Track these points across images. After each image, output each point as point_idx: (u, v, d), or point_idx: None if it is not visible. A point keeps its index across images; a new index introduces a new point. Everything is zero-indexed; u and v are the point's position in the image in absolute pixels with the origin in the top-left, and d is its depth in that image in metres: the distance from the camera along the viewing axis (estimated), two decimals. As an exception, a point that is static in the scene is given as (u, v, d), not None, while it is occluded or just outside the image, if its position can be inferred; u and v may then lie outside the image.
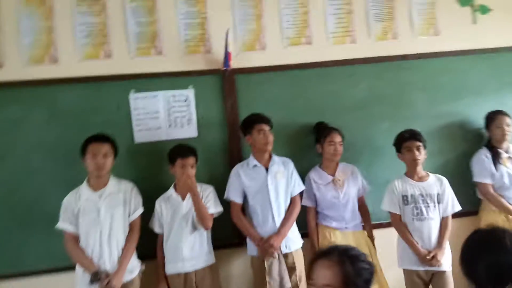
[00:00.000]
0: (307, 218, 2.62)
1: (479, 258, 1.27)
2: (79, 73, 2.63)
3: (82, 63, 2.65)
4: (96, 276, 2.18)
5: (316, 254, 1.35)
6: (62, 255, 2.45)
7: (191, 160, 2.42)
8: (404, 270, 2.51)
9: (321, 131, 2.62)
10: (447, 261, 2.42)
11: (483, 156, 2.78)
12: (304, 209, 2.62)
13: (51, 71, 2.61)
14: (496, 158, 2.75)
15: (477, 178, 2.79)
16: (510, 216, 2.69)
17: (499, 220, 2.67)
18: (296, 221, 2.54)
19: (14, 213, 2.55)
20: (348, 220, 2.55)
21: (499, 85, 3.03)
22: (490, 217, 2.70)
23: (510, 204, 2.69)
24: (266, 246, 2.36)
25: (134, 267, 2.36)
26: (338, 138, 2.56)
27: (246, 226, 2.47)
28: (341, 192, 2.56)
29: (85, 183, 2.35)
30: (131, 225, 2.36)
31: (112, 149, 2.35)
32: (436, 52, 2.98)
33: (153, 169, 2.66)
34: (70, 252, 2.29)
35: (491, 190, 2.73)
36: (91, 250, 2.25)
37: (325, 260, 1.28)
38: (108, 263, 2.24)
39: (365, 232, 2.60)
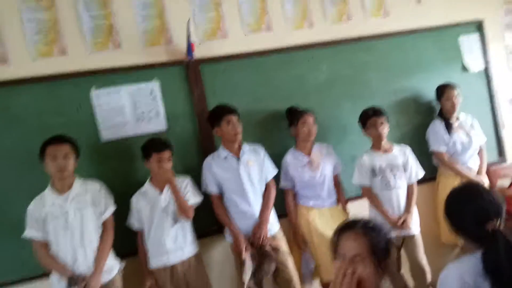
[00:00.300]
0: (285, 200, 2.68)
1: (464, 209, 1.42)
2: (33, 72, 2.47)
3: (35, 62, 2.49)
4: (72, 280, 2.11)
5: (338, 229, 1.40)
6: (31, 264, 2.38)
7: (167, 154, 2.39)
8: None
9: (294, 114, 2.68)
10: (415, 225, 2.61)
11: (437, 126, 3.01)
12: (281, 191, 2.69)
13: (1, 72, 2.43)
14: (448, 127, 2.98)
15: (432, 147, 3.02)
16: (465, 179, 2.93)
17: (455, 183, 2.89)
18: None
19: (-26, 224, 2.37)
20: (325, 198, 2.65)
21: (445, 60, 3.27)
22: (447, 182, 2.93)
23: (464, 168, 2.94)
24: (255, 239, 2.41)
25: (112, 266, 2.30)
26: (311, 119, 2.63)
27: (228, 221, 2.49)
28: (318, 172, 2.63)
29: (48, 187, 2.24)
30: (104, 225, 2.29)
31: (73, 149, 2.24)
32: (387, 33, 3.15)
33: (124, 166, 2.59)
34: (41, 260, 2.19)
35: (446, 157, 2.97)
36: (64, 255, 2.17)
37: (350, 233, 1.35)
38: (83, 266, 2.17)
39: (340, 208, 2.70)
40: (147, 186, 2.44)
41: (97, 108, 2.56)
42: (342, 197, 2.75)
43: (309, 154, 2.67)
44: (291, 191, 2.69)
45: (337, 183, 2.74)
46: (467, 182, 1.76)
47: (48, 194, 2.22)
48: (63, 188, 2.23)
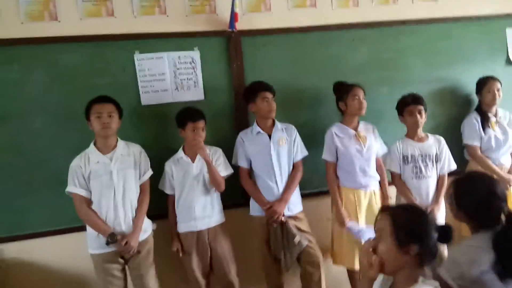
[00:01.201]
0: (327, 173, 2.65)
1: (471, 193, 1.57)
2: (80, 31, 2.53)
3: (84, 21, 2.54)
4: (113, 237, 2.21)
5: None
6: (67, 217, 2.52)
7: (201, 124, 2.44)
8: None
9: (343, 88, 2.63)
10: (441, 216, 2.62)
11: (473, 119, 2.96)
12: (314, 167, 2.71)
13: (51, 29, 2.50)
14: (485, 121, 2.93)
15: (466, 140, 2.98)
16: (495, 176, 2.90)
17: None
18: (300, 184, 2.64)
19: (18, 175, 2.51)
20: (370, 176, 2.59)
21: (489, 52, 3.18)
22: (477, 177, 2.90)
23: (495, 165, 2.91)
24: (271, 212, 2.46)
25: (147, 226, 2.41)
26: (361, 93, 2.57)
27: (253, 190, 2.55)
28: (365, 146, 2.59)
29: (92, 146, 2.31)
30: (141, 187, 2.39)
31: (117, 109, 2.32)
32: (433, 18, 3.07)
33: (160, 131, 2.66)
34: (83, 215, 2.27)
35: (479, 152, 2.93)
36: (105, 212, 2.26)
37: (384, 211, 1.41)
38: (123, 224, 2.28)
39: (380, 192, 2.68)
40: (181, 154, 2.50)
41: (140, 72, 2.61)
42: (384, 181, 2.69)
43: (355, 129, 2.63)
44: (333, 164, 2.63)
45: (379, 166, 2.68)
46: (472, 171, 1.90)
47: (92, 152, 2.30)
48: (107, 148, 2.31)
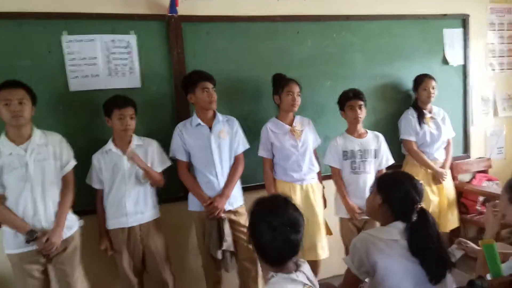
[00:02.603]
0: (263, 169, 2.63)
1: (398, 186, 1.67)
2: (0, 8, 2.26)
3: (4, -4, 2.28)
4: (32, 234, 2.02)
5: None
6: None
7: (129, 111, 2.29)
8: (340, 218, 2.73)
9: (279, 82, 2.59)
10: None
11: (410, 115, 3.06)
12: (256, 162, 2.66)
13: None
14: (420, 117, 3.03)
15: (403, 136, 3.07)
16: (429, 170, 3.03)
17: (419, 173, 3.00)
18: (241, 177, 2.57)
19: None
20: (306, 170, 2.59)
21: (427, 51, 3.29)
22: (412, 171, 2.97)
23: (429, 159, 3.03)
24: (211, 208, 2.37)
25: (72, 223, 2.22)
26: (296, 89, 2.55)
27: (192, 185, 2.45)
28: (300, 141, 2.58)
29: (3, 137, 2.07)
30: (64, 179, 2.19)
31: (29, 95, 2.07)
32: (375, 15, 3.12)
33: (90, 120, 2.47)
34: None
35: (414, 147, 3.04)
36: (23, 208, 2.05)
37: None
38: (43, 220, 2.08)
39: (318, 184, 2.70)
40: (110, 145, 2.33)
41: (68, 56, 2.40)
42: (319, 171, 2.72)
43: (290, 124, 2.61)
44: (269, 160, 2.61)
45: (316, 157, 2.70)
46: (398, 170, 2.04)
47: (4, 144, 2.05)
48: (20, 138, 2.07)
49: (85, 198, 2.36)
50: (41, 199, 2.08)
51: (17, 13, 2.29)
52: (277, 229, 1.31)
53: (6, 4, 2.28)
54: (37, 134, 2.12)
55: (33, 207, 2.06)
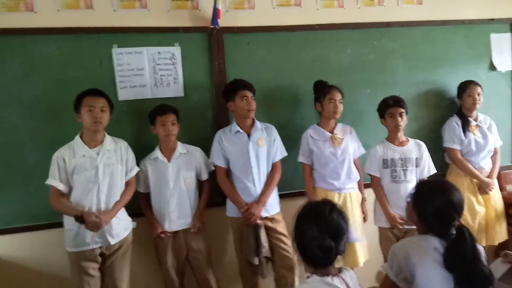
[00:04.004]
0: (303, 175, 2.64)
1: (431, 201, 1.61)
2: (57, 23, 2.47)
3: (61, 13, 2.48)
4: (81, 217, 2.11)
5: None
6: (40, 213, 2.48)
7: (171, 117, 2.41)
8: (379, 227, 2.69)
9: (321, 89, 2.60)
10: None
11: (454, 123, 2.96)
12: (294, 171, 2.68)
13: (27, 20, 2.43)
14: (465, 125, 2.93)
15: (447, 144, 2.97)
16: (474, 180, 2.91)
17: (464, 183, 2.89)
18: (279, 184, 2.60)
19: (-10, 170, 2.44)
20: (344, 179, 2.57)
21: (472, 56, 3.18)
22: (456, 180, 2.89)
23: (475, 168, 2.91)
24: (247, 214, 2.42)
25: (128, 223, 2.37)
26: (338, 96, 2.56)
27: (230, 191, 2.50)
28: (339, 149, 2.58)
29: (78, 139, 2.24)
30: (127, 183, 2.34)
31: (109, 104, 2.27)
32: (418, 21, 3.06)
33: (137, 128, 2.61)
34: (55, 204, 2.18)
35: (459, 156, 2.93)
36: (87, 207, 2.18)
37: None
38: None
39: (358, 194, 2.68)
40: (157, 153, 2.46)
41: (117, 67, 2.56)
42: (360, 181, 2.70)
43: (331, 132, 2.61)
44: (309, 166, 2.62)
45: (357, 167, 2.68)
46: (439, 178, 1.91)
47: (79, 145, 2.22)
48: (93, 141, 2.24)
49: (136, 202, 2.48)
50: (104, 202, 2.22)
51: (73, 28, 2.49)
52: (315, 235, 1.35)
53: (64, 20, 2.48)
54: (108, 139, 2.29)
55: (97, 208, 2.20)
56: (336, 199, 2.57)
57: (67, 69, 2.49)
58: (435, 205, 1.60)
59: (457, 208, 1.60)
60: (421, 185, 1.76)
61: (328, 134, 2.60)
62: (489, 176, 2.95)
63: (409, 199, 1.76)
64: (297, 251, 1.43)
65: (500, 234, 2.98)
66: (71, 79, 2.48)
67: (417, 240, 1.64)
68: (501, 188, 3.13)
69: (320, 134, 2.60)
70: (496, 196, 2.98)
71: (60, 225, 2.32)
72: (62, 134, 2.44)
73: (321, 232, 1.35)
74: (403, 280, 1.59)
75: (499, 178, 3.07)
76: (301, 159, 2.63)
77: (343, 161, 2.58)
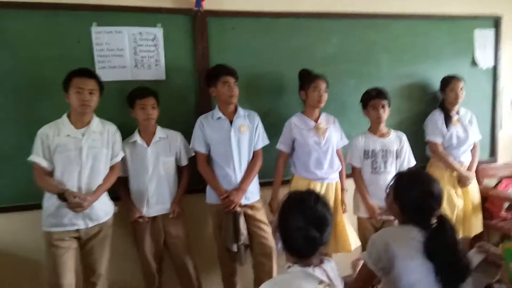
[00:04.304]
0: (277, 162, 2.62)
1: (411, 191, 1.62)
2: (32, -2, 2.35)
3: (36, -13, 2.36)
4: (63, 195, 2.05)
5: None
6: (12, 195, 2.39)
7: (151, 101, 2.34)
8: (358, 217, 2.70)
9: (306, 77, 2.57)
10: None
11: (436, 116, 2.99)
12: (277, 156, 2.65)
13: (-2, -8, 2.30)
14: (447, 119, 2.96)
15: (429, 137, 3.00)
16: (454, 173, 2.95)
17: (444, 175, 2.93)
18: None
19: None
20: (326, 169, 2.57)
21: (456, 52, 3.22)
22: (437, 173, 2.92)
23: (455, 162, 2.95)
24: (227, 202, 2.39)
25: (110, 208, 2.31)
26: (323, 85, 2.54)
27: (210, 178, 2.46)
28: (323, 138, 2.57)
29: (65, 118, 2.17)
30: (111, 167, 2.28)
31: (98, 86, 2.18)
32: (403, 14, 3.07)
33: (116, 110, 2.51)
34: (40, 182, 2.12)
35: (440, 149, 2.96)
36: (67, 187, 2.10)
37: None
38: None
39: (339, 184, 2.67)
40: (136, 137, 2.40)
41: (96, 46, 2.46)
42: (342, 172, 2.69)
43: (316, 121, 2.60)
44: (285, 155, 2.61)
45: (340, 157, 2.68)
46: (418, 168, 1.92)
47: (65, 124, 2.15)
48: (80, 122, 2.17)
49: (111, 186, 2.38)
50: (86, 183, 2.15)
51: (48, 4, 2.36)
52: (300, 225, 1.33)
53: (39, -5, 2.35)
54: (96, 121, 2.22)
55: (77, 189, 2.12)
56: (318, 188, 2.56)
57: (41, 47, 2.37)
58: (416, 196, 1.60)
59: (437, 198, 1.60)
60: (401, 176, 1.75)
61: (313, 122, 2.58)
62: (469, 169, 3.00)
63: (388, 191, 1.75)
64: (280, 240, 1.40)
65: (476, 226, 3.05)
66: (46, 57, 2.36)
67: (398, 230, 1.65)
68: (479, 182, 3.18)
69: (305, 123, 2.58)
70: (474, 190, 3.03)
71: (35, 207, 2.25)
72: (33, 114, 2.36)
73: (306, 222, 1.33)
74: (381, 269, 1.59)
75: (476, 172, 3.12)
76: (280, 146, 2.60)
77: (327, 151, 2.57)
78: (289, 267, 1.36)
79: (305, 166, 2.57)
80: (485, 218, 3.19)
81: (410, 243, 1.56)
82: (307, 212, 1.35)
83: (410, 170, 1.82)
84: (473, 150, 3.04)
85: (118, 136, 2.31)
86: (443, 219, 1.58)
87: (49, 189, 2.12)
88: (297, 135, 2.56)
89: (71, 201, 2.04)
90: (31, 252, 2.43)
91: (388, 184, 1.76)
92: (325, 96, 2.54)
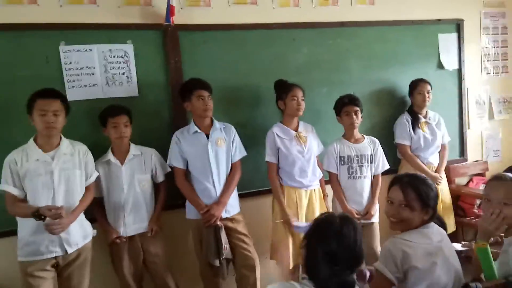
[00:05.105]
0: (269, 175, 2.60)
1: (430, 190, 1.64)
2: (-1, 19, 2.30)
3: (3, 8, 2.30)
4: (38, 212, 1.96)
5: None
6: None
7: (123, 118, 2.32)
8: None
9: (283, 87, 2.60)
10: (376, 214, 2.70)
11: (404, 120, 3.08)
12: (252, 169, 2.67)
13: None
14: (415, 122, 3.06)
15: (397, 140, 3.10)
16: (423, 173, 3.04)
17: (416, 177, 3.01)
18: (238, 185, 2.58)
19: None
20: (311, 176, 2.60)
21: (422, 56, 3.32)
22: (409, 175, 3.03)
23: (424, 163, 3.05)
24: (207, 216, 2.38)
25: (88, 233, 2.25)
26: (300, 93, 2.56)
27: (189, 193, 2.45)
28: (305, 147, 2.59)
29: (32, 142, 2.11)
30: (86, 188, 2.23)
31: (64, 106, 2.12)
32: (370, 21, 3.15)
33: (88, 129, 2.48)
34: (12, 211, 2.06)
35: (409, 151, 3.06)
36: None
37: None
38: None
39: (320, 190, 2.70)
40: (109, 156, 2.36)
41: (65, 65, 2.42)
42: (322, 178, 2.72)
43: (295, 130, 2.62)
44: (275, 166, 2.60)
45: (318, 164, 2.71)
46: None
47: (32, 149, 2.08)
48: (49, 145, 2.11)
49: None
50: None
51: (14, 24, 2.32)
52: (336, 271, 1.30)
53: (3, 16, 2.30)
54: (65, 143, 2.16)
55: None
56: (304, 196, 2.59)
57: (10, 68, 2.32)
58: (434, 194, 1.64)
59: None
60: (413, 179, 1.67)
61: (293, 132, 2.61)
62: (437, 170, 3.10)
63: (395, 200, 1.65)
64: (307, 272, 1.36)
65: (449, 226, 3.11)
66: (15, 78, 2.32)
67: (414, 238, 1.59)
68: (450, 181, 3.29)
69: (286, 133, 2.60)
70: (444, 190, 3.13)
71: (9, 234, 2.20)
72: (5, 137, 2.30)
73: (342, 267, 1.30)
74: (396, 278, 1.55)
75: (448, 171, 3.23)
76: (269, 158, 2.59)
77: (309, 159, 2.61)
78: (303, 278, 1.34)
79: (290, 176, 2.58)
80: (459, 215, 3.30)
81: (430, 249, 1.56)
82: (344, 252, 1.32)
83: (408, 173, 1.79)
84: (441, 152, 3.15)
85: (89, 156, 2.26)
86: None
87: (22, 213, 2.05)
88: (280, 145, 2.57)
89: (48, 214, 1.96)
90: (7, 280, 2.35)
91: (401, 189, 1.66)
92: (303, 104, 2.58)
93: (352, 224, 1.38)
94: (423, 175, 1.77)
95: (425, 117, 3.11)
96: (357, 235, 1.37)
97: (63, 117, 2.12)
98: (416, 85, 3.07)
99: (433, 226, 1.65)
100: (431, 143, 3.06)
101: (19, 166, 2.05)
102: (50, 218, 1.98)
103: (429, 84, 3.06)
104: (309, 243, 1.39)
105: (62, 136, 2.18)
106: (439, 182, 3.05)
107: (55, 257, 2.10)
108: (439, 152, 3.14)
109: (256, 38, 2.83)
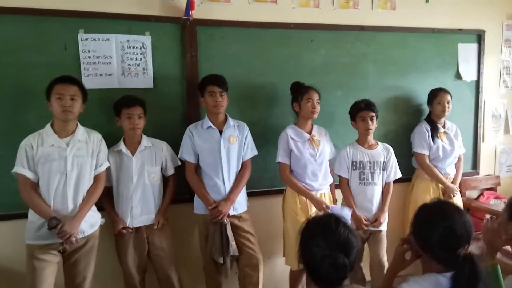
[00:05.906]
0: (283, 175, 2.57)
1: (432, 227, 1.39)
2: (19, 3, 2.30)
3: (23, -8, 2.31)
4: (53, 222, 2.02)
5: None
6: (3, 204, 2.34)
7: (138, 110, 2.31)
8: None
9: (299, 89, 2.58)
10: (384, 222, 2.66)
11: (424, 129, 3.02)
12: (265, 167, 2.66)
13: (-16, -2, 2.25)
14: (434, 131, 3.00)
15: (416, 149, 3.03)
16: (440, 185, 2.99)
17: (430, 187, 2.97)
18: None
19: None
20: (321, 180, 2.58)
21: (441, 65, 3.27)
22: (422, 184, 2.99)
23: (441, 174, 2.99)
24: (215, 212, 2.37)
25: (96, 221, 2.26)
26: (316, 96, 2.54)
27: (199, 188, 2.44)
28: (318, 150, 2.57)
29: (48, 127, 2.13)
30: (96, 178, 2.23)
31: (81, 92, 2.14)
32: (390, 26, 3.11)
33: (102, 118, 2.48)
34: (25, 196, 2.07)
35: (427, 161, 3.00)
36: (53, 199, 2.08)
37: None
38: (70, 213, 2.10)
39: (330, 194, 2.68)
40: (121, 146, 2.36)
41: (83, 53, 2.42)
42: (332, 184, 2.71)
43: (309, 133, 2.60)
44: (288, 167, 2.57)
45: (330, 169, 2.69)
46: (439, 199, 1.73)
47: (48, 134, 2.10)
48: (65, 131, 2.13)
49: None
50: (72, 194, 2.11)
51: (35, 9, 2.32)
52: (325, 252, 1.26)
53: (24, 0, 2.30)
54: (81, 130, 2.18)
55: (63, 200, 2.09)
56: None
57: (28, 53, 2.33)
58: (435, 236, 1.37)
59: (461, 234, 1.36)
60: (418, 220, 1.48)
61: (307, 135, 2.59)
62: (453, 182, 3.05)
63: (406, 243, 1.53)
64: (305, 269, 1.33)
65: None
66: (32, 63, 2.32)
67: (425, 282, 1.39)
68: (462, 194, 3.24)
69: (299, 135, 2.58)
70: (458, 202, 3.06)
71: (18, 216, 2.22)
72: (20, 122, 2.31)
73: (331, 248, 1.26)
74: None
75: (459, 184, 3.17)
76: (281, 159, 2.57)
77: (321, 163, 2.58)
78: None
79: (301, 178, 2.56)
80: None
81: None
82: (330, 237, 1.28)
83: (426, 205, 1.50)
84: (457, 163, 3.09)
85: (103, 145, 2.27)
86: (471, 260, 1.32)
87: (36, 211, 2.07)
88: (293, 147, 2.55)
89: (57, 230, 2.02)
90: (13, 263, 2.37)
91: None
92: (318, 107, 2.56)
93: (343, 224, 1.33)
94: (443, 210, 1.45)
95: (444, 127, 3.06)
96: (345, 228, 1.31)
97: (80, 103, 2.13)
98: (436, 95, 3.01)
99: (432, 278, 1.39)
100: (450, 153, 3.00)
101: (34, 150, 2.07)
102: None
103: (450, 94, 3.01)
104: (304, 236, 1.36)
105: (78, 123, 2.19)
106: (456, 193, 2.99)
107: (62, 242, 2.10)
108: (455, 163, 3.08)
109: (273, 37, 2.81)
